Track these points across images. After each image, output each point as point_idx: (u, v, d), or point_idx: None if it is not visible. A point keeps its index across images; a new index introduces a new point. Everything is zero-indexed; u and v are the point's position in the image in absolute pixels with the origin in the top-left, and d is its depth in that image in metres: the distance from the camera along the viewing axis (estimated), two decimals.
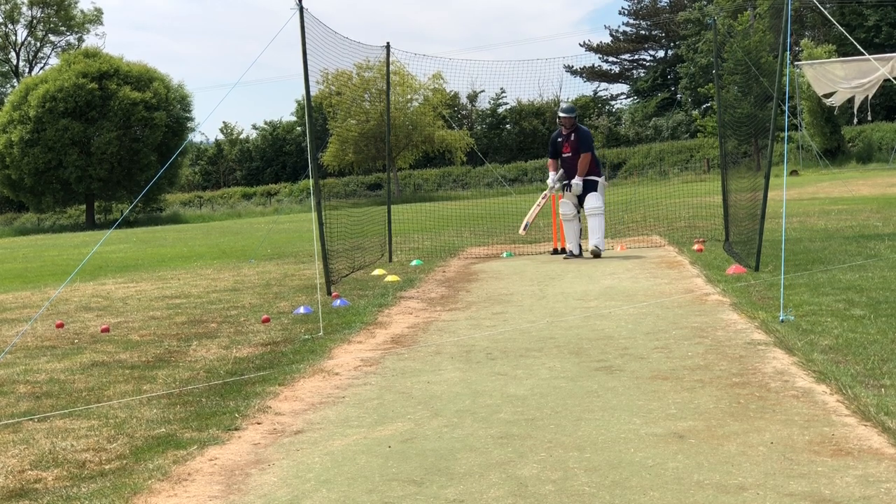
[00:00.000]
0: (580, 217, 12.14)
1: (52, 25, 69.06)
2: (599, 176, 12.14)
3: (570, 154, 11.95)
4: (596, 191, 11.96)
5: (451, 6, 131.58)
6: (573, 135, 11.99)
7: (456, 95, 60.96)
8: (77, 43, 68.09)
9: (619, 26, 78.89)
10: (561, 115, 12.25)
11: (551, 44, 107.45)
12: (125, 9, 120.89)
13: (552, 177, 12.25)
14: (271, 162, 68.75)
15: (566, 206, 11.99)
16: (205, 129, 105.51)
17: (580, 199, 12.03)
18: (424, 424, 4.41)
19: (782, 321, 6.12)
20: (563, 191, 12.09)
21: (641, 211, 18.37)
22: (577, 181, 11.91)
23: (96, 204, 52.07)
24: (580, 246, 12.04)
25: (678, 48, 62.91)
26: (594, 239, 11.87)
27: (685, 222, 15.90)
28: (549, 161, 12.39)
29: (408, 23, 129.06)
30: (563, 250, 12.66)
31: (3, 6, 66.61)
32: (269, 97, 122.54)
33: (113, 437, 4.47)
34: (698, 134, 52.03)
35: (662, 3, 68.76)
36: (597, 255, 11.77)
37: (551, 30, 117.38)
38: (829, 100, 16.91)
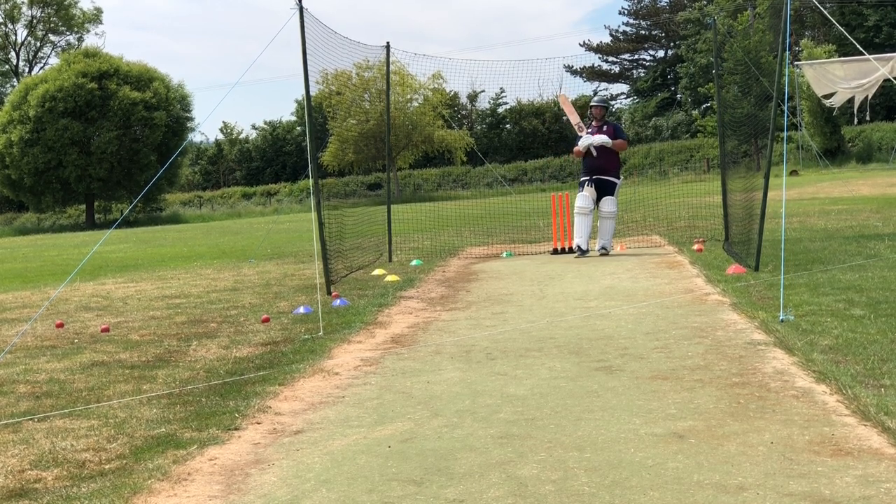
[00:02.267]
0: (594, 214, 12.20)
1: (51, 25, 69.04)
2: (619, 178, 12.22)
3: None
4: (613, 195, 12.06)
5: (451, 6, 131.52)
6: (605, 126, 12.12)
7: (456, 95, 60.96)
8: (77, 43, 68.09)
9: (619, 26, 78.85)
10: (593, 104, 12.43)
11: (551, 44, 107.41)
12: (125, 8, 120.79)
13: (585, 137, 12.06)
14: (271, 162, 68.75)
15: (585, 200, 12.00)
16: (204, 128, 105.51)
17: (598, 198, 12.07)
18: (424, 424, 4.41)
19: (782, 321, 6.12)
20: (588, 186, 12.08)
21: (641, 211, 18.36)
22: (603, 137, 11.88)
23: (96, 204, 52.06)
24: (588, 242, 12.09)
25: (678, 48, 62.88)
26: (603, 240, 12.03)
27: (685, 222, 15.90)
28: (576, 149, 12.30)
29: (408, 23, 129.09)
30: (565, 250, 12.66)
31: (3, 6, 66.58)
32: (269, 97, 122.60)
33: (113, 436, 4.47)
34: (698, 134, 52.03)
35: (662, 3, 68.73)
36: (604, 254, 11.95)
37: (551, 30, 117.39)
38: (829, 101, 16.90)
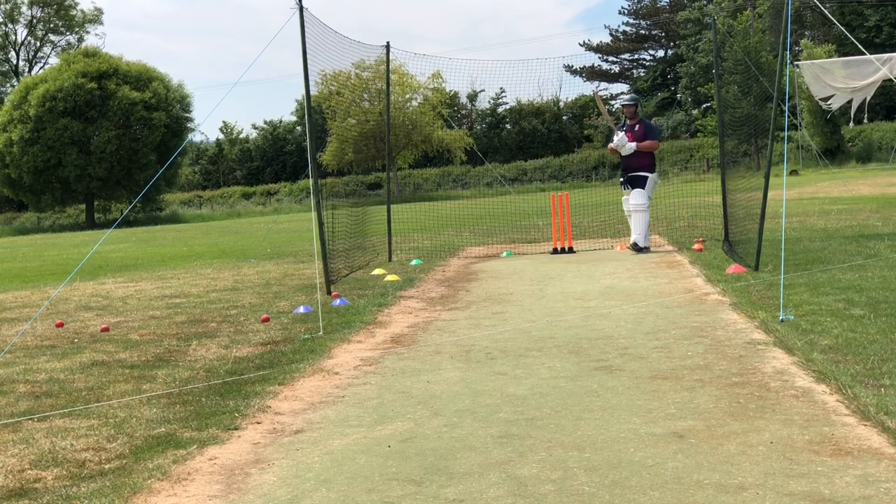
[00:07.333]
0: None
1: (52, 25, 69.06)
2: (652, 172, 12.13)
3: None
4: (643, 187, 11.99)
5: (442, 5, 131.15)
6: (637, 125, 12.10)
7: (455, 95, 60.93)
8: (77, 43, 68.10)
9: (618, 26, 78.86)
10: (623, 103, 12.52)
11: (546, 43, 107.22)
12: (113, 10, 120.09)
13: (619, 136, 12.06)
14: (271, 162, 68.74)
15: (625, 203, 12.14)
16: (203, 128, 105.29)
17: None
18: (424, 424, 4.41)
19: (782, 321, 6.12)
20: (624, 189, 12.20)
21: None
22: (631, 144, 11.90)
23: (95, 203, 52.07)
24: (644, 239, 12.16)
25: (678, 48, 62.89)
26: (634, 235, 11.99)
27: (685, 222, 15.89)
28: (610, 146, 12.37)
29: (397, 22, 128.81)
30: (565, 249, 12.66)
31: (3, 6, 66.60)
32: (266, 97, 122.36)
33: (112, 436, 4.47)
34: (698, 134, 52.02)
35: (662, 3, 68.71)
36: (637, 250, 11.87)
37: (544, 29, 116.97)
38: (827, 104, 16.91)
